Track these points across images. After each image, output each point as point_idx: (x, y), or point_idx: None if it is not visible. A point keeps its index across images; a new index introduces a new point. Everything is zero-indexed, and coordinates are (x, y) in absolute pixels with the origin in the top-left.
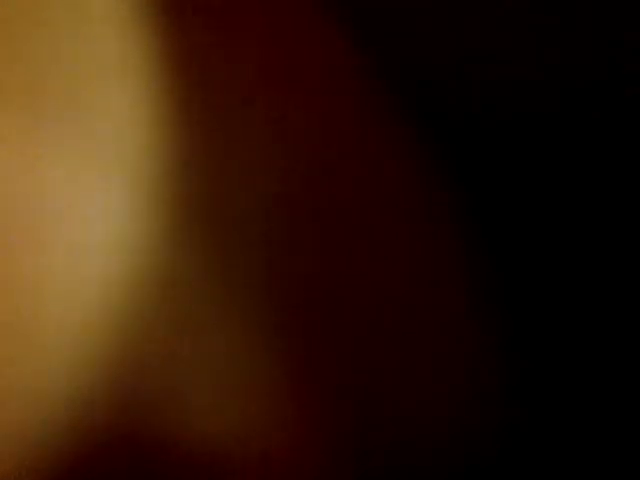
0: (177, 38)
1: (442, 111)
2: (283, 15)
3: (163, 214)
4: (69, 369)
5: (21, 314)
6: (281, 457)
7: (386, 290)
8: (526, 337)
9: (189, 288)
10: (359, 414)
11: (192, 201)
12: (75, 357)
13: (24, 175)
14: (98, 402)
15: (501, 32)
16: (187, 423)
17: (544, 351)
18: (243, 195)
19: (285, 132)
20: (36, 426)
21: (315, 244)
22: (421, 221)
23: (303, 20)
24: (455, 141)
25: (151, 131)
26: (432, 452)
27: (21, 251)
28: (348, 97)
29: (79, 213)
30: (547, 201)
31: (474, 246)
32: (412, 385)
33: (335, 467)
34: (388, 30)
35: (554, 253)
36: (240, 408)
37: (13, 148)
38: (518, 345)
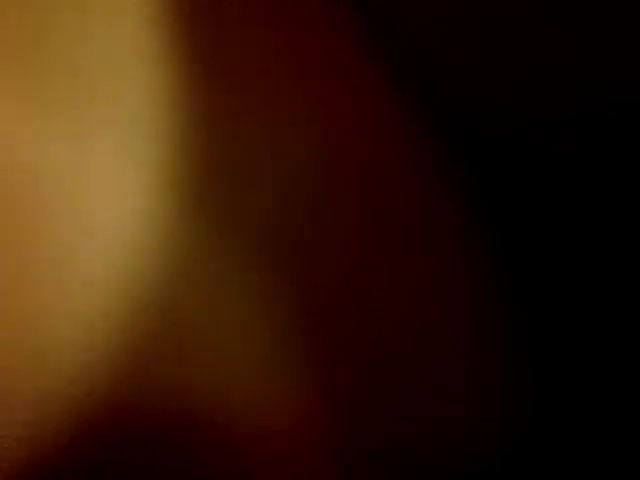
0: (205, 33)
1: (451, 111)
2: (299, 12)
3: (183, 201)
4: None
5: (44, 299)
6: (283, 438)
7: (395, 289)
8: (531, 338)
9: (209, 276)
10: (363, 409)
11: (212, 194)
12: (91, 336)
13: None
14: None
15: (514, 35)
16: (194, 402)
17: (548, 352)
18: (258, 191)
19: (302, 132)
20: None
21: (331, 242)
22: (429, 223)
23: (320, 20)
24: (464, 141)
25: (176, 126)
26: (433, 451)
27: (47, 238)
28: (360, 97)
29: (97, 199)
30: (553, 201)
31: (482, 246)
32: (415, 383)
33: (334, 452)
34: (400, 30)
35: (560, 254)
36: (246, 389)
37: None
38: (522, 346)
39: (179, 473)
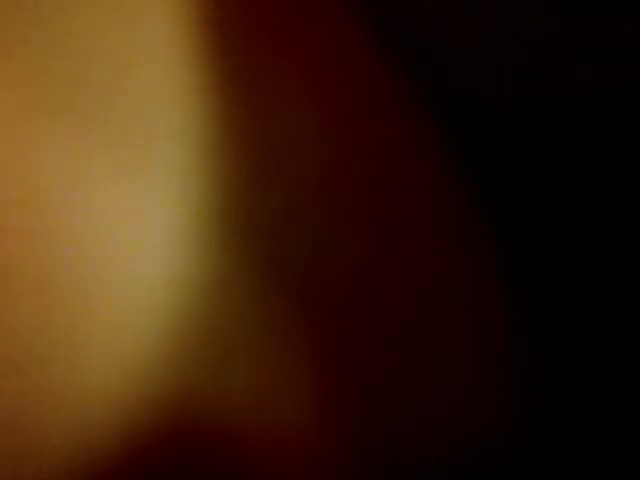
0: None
1: (461, 109)
2: (315, 17)
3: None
4: (119, 365)
5: (76, 315)
6: (294, 442)
7: (410, 289)
8: (538, 336)
9: (229, 290)
10: (372, 411)
11: (233, 207)
12: (124, 353)
13: (70, 183)
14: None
15: (520, 33)
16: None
17: (554, 351)
18: (277, 202)
19: (322, 138)
20: (80, 424)
21: (345, 244)
22: (438, 223)
23: (334, 25)
24: (472, 140)
25: (196, 135)
26: (448, 451)
27: (75, 257)
28: (370, 99)
29: (125, 223)
30: (558, 196)
31: (489, 245)
32: (431, 384)
33: (345, 453)
34: (408, 30)
35: (566, 251)
36: (255, 396)
37: (59, 152)
38: (529, 344)
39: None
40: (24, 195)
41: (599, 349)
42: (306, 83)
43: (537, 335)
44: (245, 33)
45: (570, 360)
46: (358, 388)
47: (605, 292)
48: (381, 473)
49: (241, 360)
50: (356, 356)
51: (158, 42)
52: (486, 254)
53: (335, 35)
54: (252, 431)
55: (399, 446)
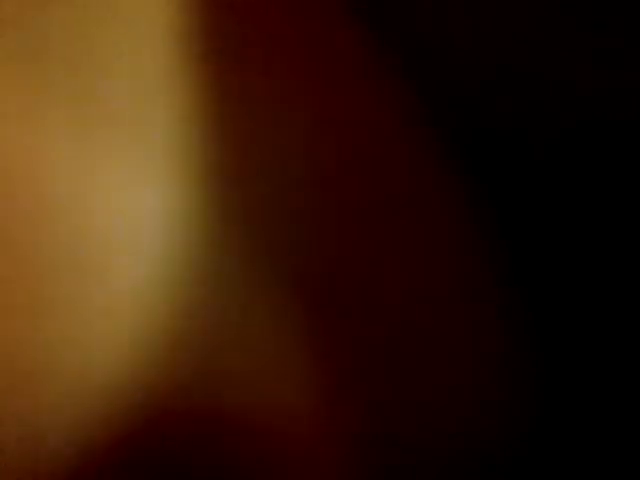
0: (217, 44)
1: (461, 108)
2: (312, 17)
3: (203, 212)
4: (115, 352)
5: (73, 297)
6: (299, 427)
7: (410, 289)
8: (537, 335)
9: (228, 280)
10: (376, 395)
11: (231, 200)
12: (121, 339)
13: (77, 177)
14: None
15: (517, 34)
16: (218, 399)
17: (555, 351)
18: (276, 194)
19: (318, 133)
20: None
21: (344, 243)
22: (430, 216)
23: (331, 23)
24: (467, 139)
25: (194, 129)
26: (448, 450)
27: (76, 243)
28: (361, 93)
29: (128, 213)
30: (555, 196)
31: (487, 243)
32: (431, 384)
33: (349, 437)
34: (404, 29)
35: (565, 249)
36: (261, 382)
37: (63, 150)
38: (529, 343)
39: (202, 461)
40: (29, 197)
41: (599, 349)
42: (303, 82)
43: (537, 335)
44: (242, 31)
45: (570, 360)
46: (358, 388)
47: (605, 292)
48: (381, 473)
49: (240, 357)
50: (356, 356)
51: (157, 44)
52: (486, 254)
53: (334, 35)
54: (250, 428)
55: (399, 446)
